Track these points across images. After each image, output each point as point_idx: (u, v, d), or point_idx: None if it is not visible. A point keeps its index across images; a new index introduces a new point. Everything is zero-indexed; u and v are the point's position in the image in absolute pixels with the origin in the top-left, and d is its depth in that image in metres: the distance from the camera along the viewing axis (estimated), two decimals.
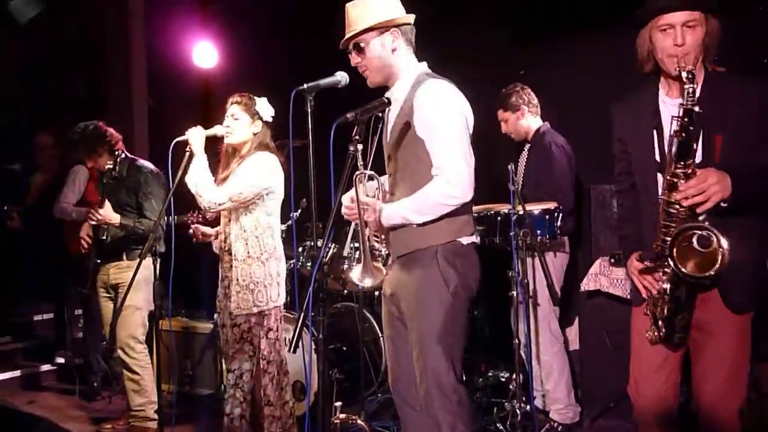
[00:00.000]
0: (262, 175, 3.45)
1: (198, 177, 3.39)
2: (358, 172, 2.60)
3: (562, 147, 4.17)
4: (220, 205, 3.39)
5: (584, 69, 4.69)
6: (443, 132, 2.58)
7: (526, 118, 4.28)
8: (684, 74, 2.20)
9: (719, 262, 2.13)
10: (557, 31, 4.80)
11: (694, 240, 2.17)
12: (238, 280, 3.47)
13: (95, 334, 5.26)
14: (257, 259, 3.48)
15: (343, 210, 2.74)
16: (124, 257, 4.33)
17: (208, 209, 3.43)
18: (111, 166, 4.30)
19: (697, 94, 2.30)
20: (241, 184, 3.41)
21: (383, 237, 2.80)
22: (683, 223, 2.23)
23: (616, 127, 2.65)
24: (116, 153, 4.38)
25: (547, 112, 4.33)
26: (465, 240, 2.68)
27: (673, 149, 2.25)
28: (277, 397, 3.59)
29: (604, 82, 4.29)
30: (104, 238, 4.31)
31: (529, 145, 4.33)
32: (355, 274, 2.65)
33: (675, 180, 2.25)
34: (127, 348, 4.22)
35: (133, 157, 4.48)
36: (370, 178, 2.73)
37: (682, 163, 2.23)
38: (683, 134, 2.21)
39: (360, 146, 2.48)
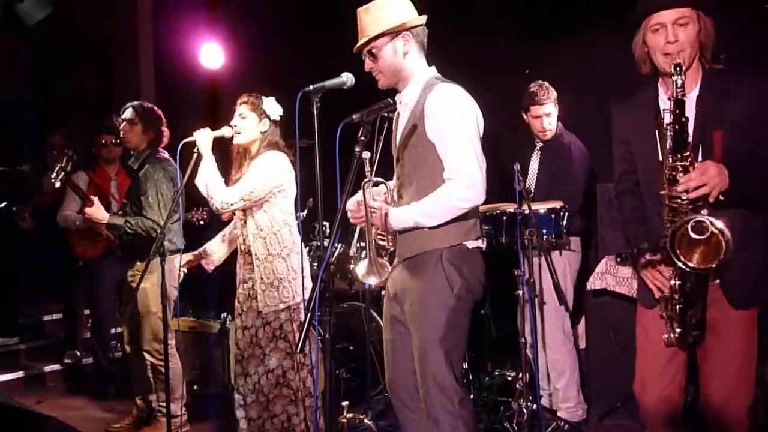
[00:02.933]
0: (273, 173, 3.47)
1: (208, 179, 3.41)
2: (365, 180, 2.61)
3: (581, 148, 4.17)
4: (232, 205, 3.41)
5: (589, 67, 4.68)
6: (456, 136, 2.58)
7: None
8: (671, 68, 2.22)
9: (723, 249, 2.12)
10: (562, 29, 4.79)
11: (689, 230, 2.16)
12: (262, 278, 3.47)
13: (102, 335, 5.28)
14: (278, 255, 3.50)
15: (349, 213, 2.74)
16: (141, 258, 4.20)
17: (220, 210, 3.44)
18: (133, 158, 4.22)
19: (696, 92, 2.31)
20: (252, 183, 3.42)
21: (389, 236, 2.81)
22: (685, 217, 2.22)
23: (617, 127, 2.65)
24: (151, 144, 4.21)
25: None
26: (470, 244, 2.69)
27: (669, 142, 2.26)
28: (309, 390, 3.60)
29: (610, 81, 4.28)
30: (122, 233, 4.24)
31: (541, 144, 4.28)
32: (360, 270, 2.67)
33: (674, 174, 2.25)
34: (153, 350, 4.17)
35: (159, 150, 4.23)
36: (376, 184, 2.74)
37: (679, 155, 2.24)
38: (677, 126, 2.23)
39: (366, 153, 2.49)
